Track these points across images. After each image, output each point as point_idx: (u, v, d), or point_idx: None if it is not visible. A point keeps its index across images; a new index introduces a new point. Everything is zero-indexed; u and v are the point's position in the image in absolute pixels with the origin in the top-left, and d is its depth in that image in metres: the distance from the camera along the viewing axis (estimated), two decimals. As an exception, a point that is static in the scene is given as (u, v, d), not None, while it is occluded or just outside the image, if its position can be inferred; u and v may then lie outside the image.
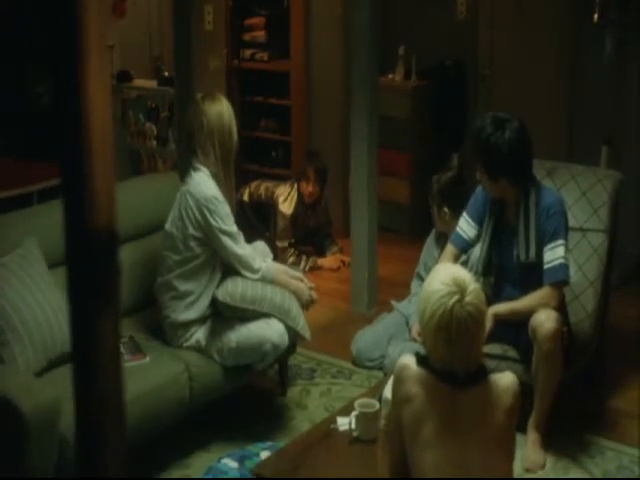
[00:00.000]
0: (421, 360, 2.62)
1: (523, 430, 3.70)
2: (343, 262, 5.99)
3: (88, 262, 0.90)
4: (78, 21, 0.84)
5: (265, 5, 7.29)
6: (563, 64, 5.91)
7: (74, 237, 0.89)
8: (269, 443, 3.74)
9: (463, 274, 2.62)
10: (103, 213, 0.89)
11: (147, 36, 7.03)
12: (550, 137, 5.67)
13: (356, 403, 3.24)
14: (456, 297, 2.51)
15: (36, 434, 3.04)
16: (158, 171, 6.45)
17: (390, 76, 6.47)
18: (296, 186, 6.09)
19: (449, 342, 2.53)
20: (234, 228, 3.81)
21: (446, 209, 4.50)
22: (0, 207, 4.61)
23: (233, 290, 3.81)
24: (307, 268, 5.80)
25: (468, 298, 2.52)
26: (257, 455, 3.55)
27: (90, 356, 0.93)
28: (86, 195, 0.88)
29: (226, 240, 3.78)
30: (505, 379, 2.62)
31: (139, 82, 6.52)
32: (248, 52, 7.22)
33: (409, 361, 2.63)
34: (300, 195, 6.07)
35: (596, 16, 5.47)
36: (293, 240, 6.06)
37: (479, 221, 3.95)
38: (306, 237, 6.16)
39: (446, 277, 2.56)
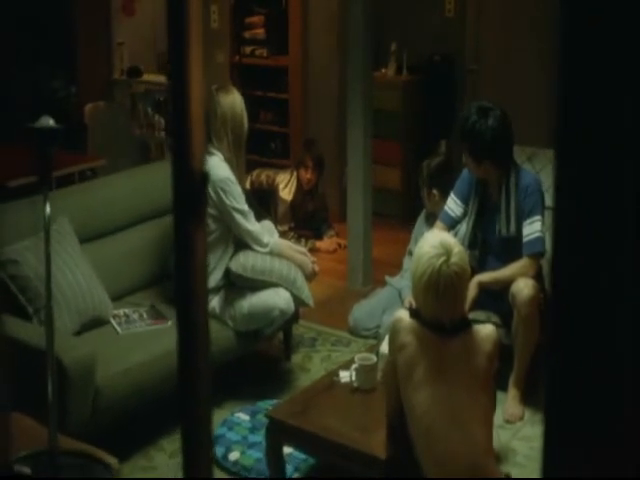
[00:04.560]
0: (413, 313, 3.03)
1: (504, 387, 4.09)
2: (339, 245, 6.30)
3: (189, 193, 1.31)
4: (185, 28, 1.24)
5: (264, 4, 7.66)
6: (545, 59, 6.23)
7: (180, 176, 1.30)
8: (276, 400, 4.13)
9: (449, 239, 3.04)
10: (198, 159, 1.30)
11: (153, 33, 7.35)
12: (533, 126, 5.99)
13: (356, 357, 3.61)
14: (443, 258, 2.93)
15: (75, 384, 3.44)
16: (166, 159, 6.79)
17: (383, 71, 6.72)
18: (295, 174, 6.42)
19: (437, 297, 2.94)
20: (245, 207, 4.15)
21: (435, 191, 4.84)
22: (23, 191, 4.96)
23: (245, 262, 4.16)
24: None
25: (454, 259, 2.94)
26: (266, 410, 3.94)
27: (188, 261, 1.34)
28: (188, 146, 1.29)
29: (238, 217, 4.13)
30: (486, 329, 3.03)
31: (148, 77, 6.78)
32: (248, 48, 7.60)
33: (403, 314, 3.04)
34: (299, 182, 6.42)
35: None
36: (293, 224, 6.37)
37: (465, 200, 4.31)
38: (304, 221, 6.44)
39: (434, 241, 2.98)
